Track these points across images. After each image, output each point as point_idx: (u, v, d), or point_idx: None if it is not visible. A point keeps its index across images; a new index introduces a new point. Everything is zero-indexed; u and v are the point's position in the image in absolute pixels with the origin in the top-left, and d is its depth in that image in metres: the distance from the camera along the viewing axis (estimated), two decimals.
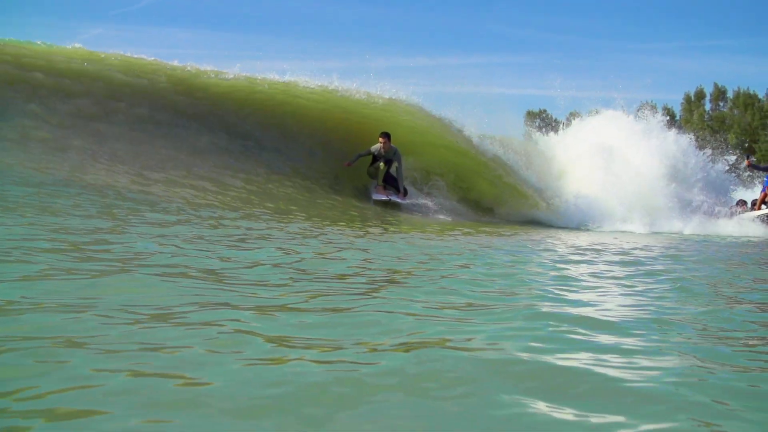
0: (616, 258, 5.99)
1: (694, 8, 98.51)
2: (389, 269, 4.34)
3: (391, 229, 7.76)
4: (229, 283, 3.24)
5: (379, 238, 6.47)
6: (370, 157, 11.20)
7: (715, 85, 57.59)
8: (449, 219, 10.71)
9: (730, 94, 56.54)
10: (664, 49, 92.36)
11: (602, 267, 5.22)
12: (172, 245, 4.27)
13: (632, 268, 5.13)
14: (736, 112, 54.85)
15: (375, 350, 2.25)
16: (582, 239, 8.50)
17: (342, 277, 3.79)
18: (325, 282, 3.58)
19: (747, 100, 54.57)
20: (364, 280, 3.75)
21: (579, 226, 11.85)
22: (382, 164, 11.13)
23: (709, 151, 15.53)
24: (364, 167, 11.35)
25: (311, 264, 4.15)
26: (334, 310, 2.85)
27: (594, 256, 6.07)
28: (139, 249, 3.95)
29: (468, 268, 4.61)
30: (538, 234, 9.12)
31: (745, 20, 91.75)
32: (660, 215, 12.24)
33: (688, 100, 57.46)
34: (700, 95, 57.39)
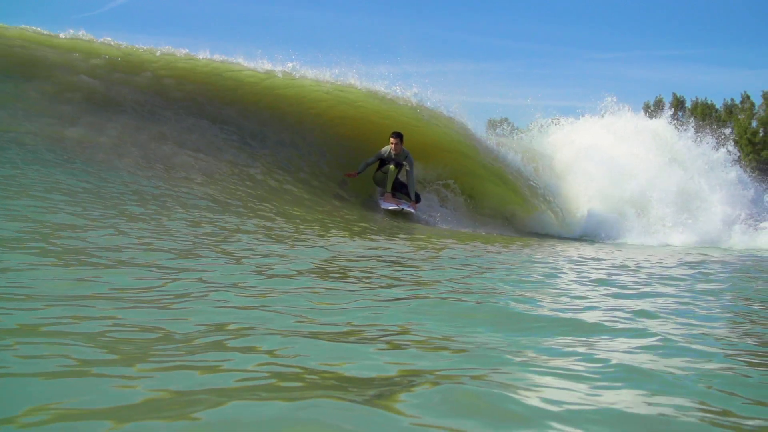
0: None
1: (654, 19, 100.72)
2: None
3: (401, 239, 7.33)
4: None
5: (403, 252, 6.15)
6: (376, 163, 10.18)
7: (674, 95, 58.70)
8: (462, 229, 9.92)
9: (688, 104, 57.65)
10: (624, 58, 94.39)
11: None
12: (159, 237, 4.23)
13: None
14: (694, 121, 55.81)
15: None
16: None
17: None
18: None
19: (705, 110, 55.75)
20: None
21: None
22: (392, 167, 9.98)
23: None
24: (370, 172, 10.35)
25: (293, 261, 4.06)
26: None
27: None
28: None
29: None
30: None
31: (703, 31, 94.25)
32: (704, 227, 11.53)
33: (647, 109, 58.27)
34: (659, 105, 58.30)
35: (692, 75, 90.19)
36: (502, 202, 11.80)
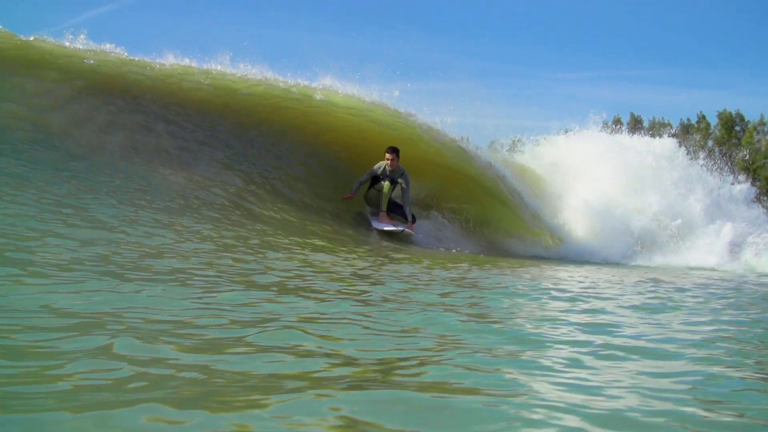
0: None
1: (613, 40, 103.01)
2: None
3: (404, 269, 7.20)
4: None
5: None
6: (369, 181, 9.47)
7: (632, 114, 59.96)
8: (466, 251, 9.45)
9: (646, 124, 58.95)
10: (582, 78, 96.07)
11: None
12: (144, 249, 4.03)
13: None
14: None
15: None
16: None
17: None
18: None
19: (662, 130, 56.95)
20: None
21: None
22: (387, 184, 9.24)
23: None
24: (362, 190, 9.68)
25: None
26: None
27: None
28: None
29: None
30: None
31: (659, 52, 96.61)
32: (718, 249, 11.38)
33: (605, 128, 59.38)
34: (617, 123, 59.49)
35: (650, 95, 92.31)
36: (506, 225, 11.40)
